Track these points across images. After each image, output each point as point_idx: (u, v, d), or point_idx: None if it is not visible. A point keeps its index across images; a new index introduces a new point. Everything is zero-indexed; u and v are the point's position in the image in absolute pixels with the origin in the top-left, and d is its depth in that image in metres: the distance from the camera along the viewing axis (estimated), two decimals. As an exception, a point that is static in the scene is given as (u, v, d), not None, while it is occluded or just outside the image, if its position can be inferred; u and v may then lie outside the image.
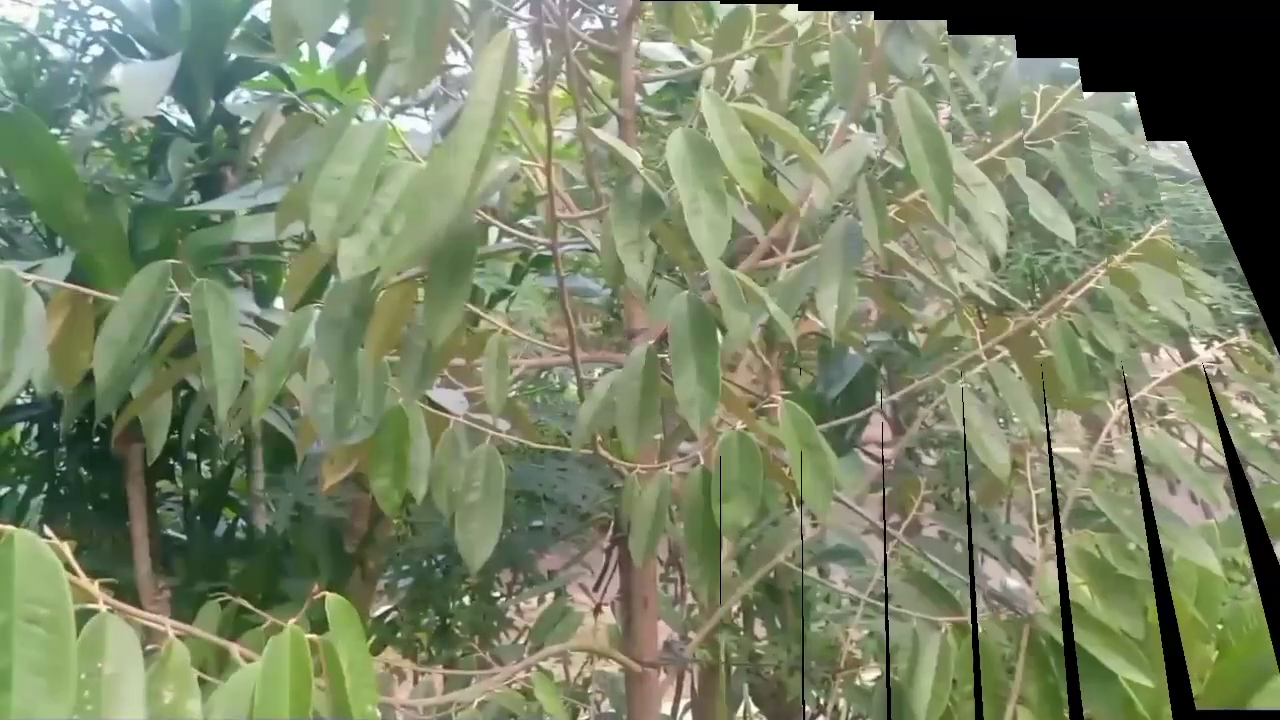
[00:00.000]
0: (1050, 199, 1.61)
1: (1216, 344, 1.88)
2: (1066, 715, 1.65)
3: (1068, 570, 1.67)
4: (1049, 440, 1.72)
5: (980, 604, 1.74)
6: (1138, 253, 1.71)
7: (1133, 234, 2.41)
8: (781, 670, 2.57)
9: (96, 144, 2.67)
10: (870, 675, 2.42)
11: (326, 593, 0.84)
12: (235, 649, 0.91)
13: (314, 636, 0.84)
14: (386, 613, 2.70)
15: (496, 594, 2.67)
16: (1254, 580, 3.29)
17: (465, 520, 1.35)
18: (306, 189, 1.00)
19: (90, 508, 2.40)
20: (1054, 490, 1.54)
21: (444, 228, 0.99)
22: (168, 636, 0.84)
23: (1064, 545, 1.65)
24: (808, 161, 1.13)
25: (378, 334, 1.20)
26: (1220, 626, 2.59)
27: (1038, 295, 2.66)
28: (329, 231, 0.97)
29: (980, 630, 1.68)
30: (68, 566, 0.77)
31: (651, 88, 2.31)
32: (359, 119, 1.02)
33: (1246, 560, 3.23)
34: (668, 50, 2.08)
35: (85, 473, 2.38)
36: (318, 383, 1.28)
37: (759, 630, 2.69)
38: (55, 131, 2.50)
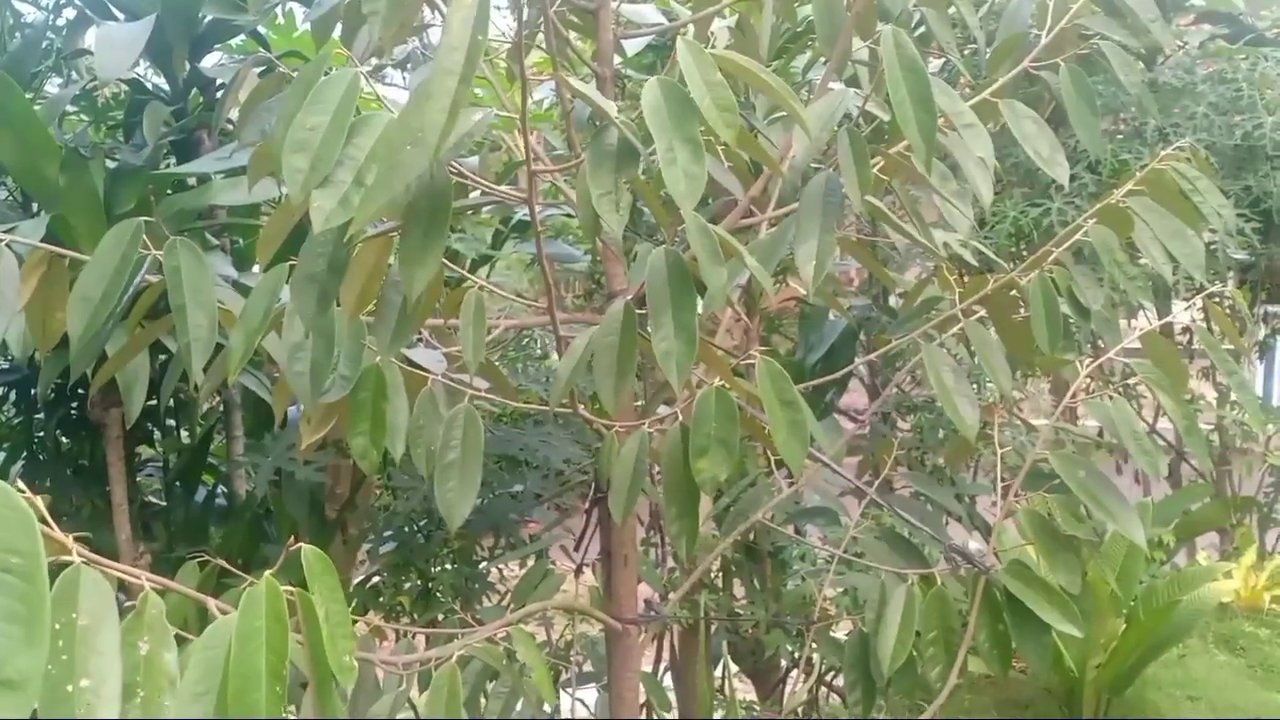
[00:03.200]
0: (1049, 136, 1.58)
1: (1199, 298, 1.88)
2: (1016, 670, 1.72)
3: (1018, 531, 1.71)
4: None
5: (941, 560, 1.77)
6: (1140, 186, 1.66)
7: (1140, 164, 2.39)
8: (760, 628, 2.60)
9: (72, 108, 2.64)
10: (844, 629, 2.46)
11: (303, 545, 0.84)
12: (212, 604, 0.91)
13: (290, 588, 0.84)
14: (369, 577, 2.71)
15: (478, 558, 2.67)
16: (1172, 560, 3.38)
17: (444, 479, 1.34)
18: (277, 142, 0.99)
19: (70, 473, 2.38)
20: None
21: (417, 178, 0.98)
22: (144, 589, 0.84)
23: (1017, 506, 1.68)
24: (787, 107, 1.13)
25: (354, 290, 1.19)
26: (1133, 603, 2.68)
27: (1024, 254, 2.66)
28: (301, 184, 0.96)
29: (940, 583, 1.71)
30: (42, 520, 0.77)
31: (632, 48, 2.30)
32: (331, 70, 1.01)
33: (1171, 540, 3.33)
34: (648, 12, 2.07)
35: (63, 438, 2.36)
36: (293, 340, 1.28)
37: (738, 590, 2.71)
38: (30, 95, 2.47)
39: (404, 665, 1.38)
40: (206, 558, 2.43)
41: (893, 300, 2.94)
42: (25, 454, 2.39)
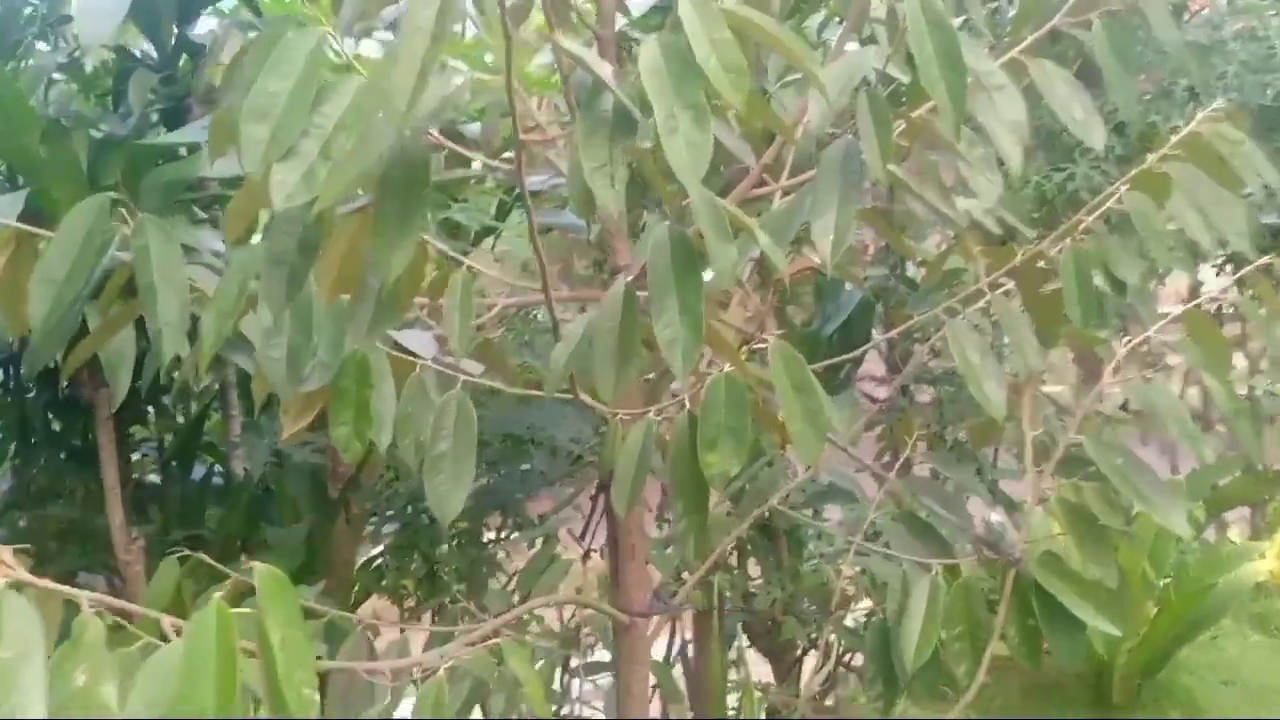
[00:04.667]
0: (1083, 97, 1.46)
1: (1230, 268, 1.77)
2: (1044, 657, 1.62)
3: (1049, 518, 1.61)
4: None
5: (967, 547, 1.68)
6: (1176, 150, 1.55)
7: (1170, 126, 2.27)
8: (775, 609, 2.53)
9: (59, 76, 2.54)
10: (863, 608, 2.38)
11: (254, 563, 0.75)
12: (167, 621, 0.82)
13: (245, 610, 0.75)
14: (373, 558, 2.63)
15: (485, 539, 2.59)
16: (1202, 536, 3.26)
17: (434, 471, 1.25)
18: (236, 110, 0.89)
19: (62, 456, 2.31)
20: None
21: (390, 149, 0.88)
22: (82, 609, 0.76)
23: (1048, 492, 1.58)
24: (804, 68, 1.02)
25: (330, 271, 1.10)
26: (1165, 581, 2.58)
27: (1047, 222, 2.55)
28: (260, 155, 0.87)
29: (966, 573, 1.62)
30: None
31: (638, 8, 2.19)
32: (298, 27, 0.91)
33: (1201, 515, 3.20)
34: (655, -29, 1.96)
35: (54, 420, 2.29)
36: (267, 325, 1.18)
37: (753, 569, 2.63)
38: (14, 63, 2.38)
39: (393, 674, 1.30)
40: (197, 546, 2.37)
41: (910, 269, 2.83)
42: (18, 435, 2.31)
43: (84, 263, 1.23)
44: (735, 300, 2.12)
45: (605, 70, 0.89)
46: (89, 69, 2.54)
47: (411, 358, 1.33)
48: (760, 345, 1.26)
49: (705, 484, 1.18)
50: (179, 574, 1.46)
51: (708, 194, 0.96)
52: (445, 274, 1.15)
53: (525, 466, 2.52)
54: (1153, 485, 1.55)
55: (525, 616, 2.18)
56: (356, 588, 2.58)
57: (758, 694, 2.75)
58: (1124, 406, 3.12)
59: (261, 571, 0.75)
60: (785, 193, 1.56)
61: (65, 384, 2.28)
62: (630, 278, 1.05)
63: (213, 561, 1.45)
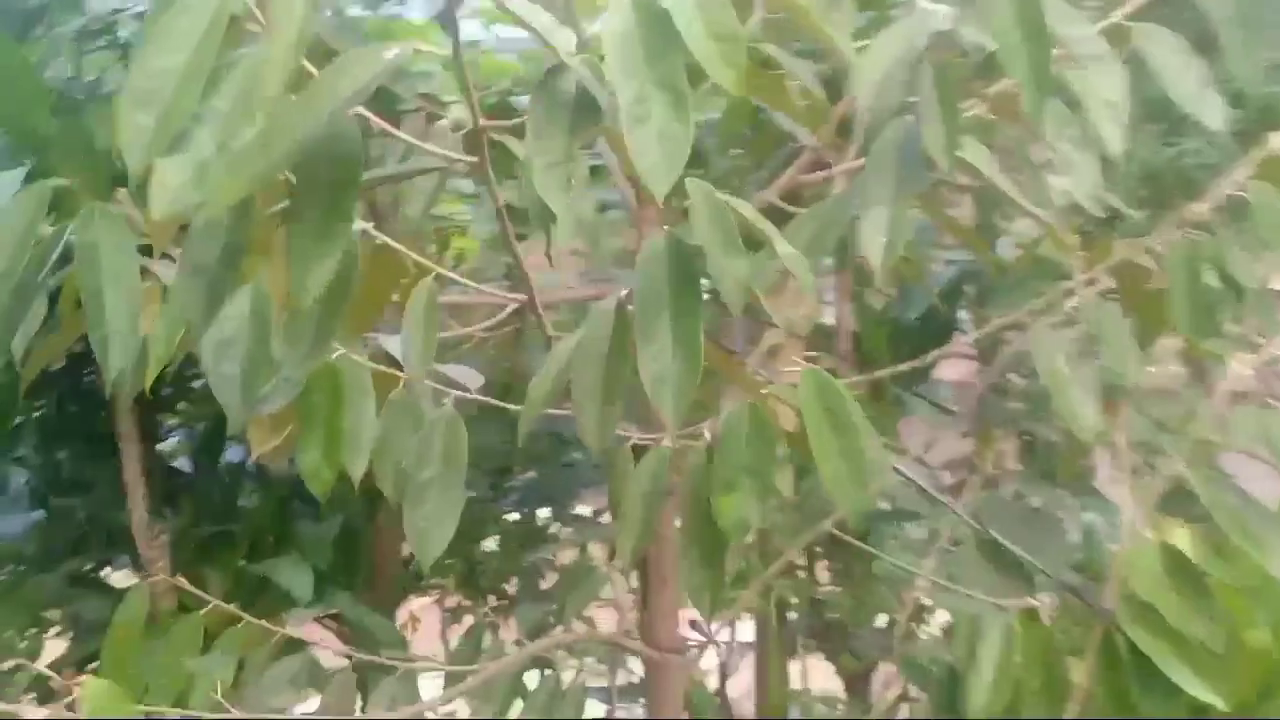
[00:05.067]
0: (1198, 69, 1.22)
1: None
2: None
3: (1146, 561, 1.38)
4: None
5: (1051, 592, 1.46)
6: None
7: None
8: (844, 616, 2.35)
9: (101, 44, 2.42)
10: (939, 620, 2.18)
11: (84, 678, 0.59)
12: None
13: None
14: (412, 556, 2.49)
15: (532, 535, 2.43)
16: None
17: (417, 502, 1.08)
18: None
19: (83, 443, 2.20)
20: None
21: (306, 138, 0.71)
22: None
23: (1149, 534, 1.35)
24: (817, 31, 0.82)
25: (280, 274, 0.93)
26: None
27: (1154, 200, 2.29)
28: (144, 148, 0.70)
29: (1048, 622, 1.41)
30: None
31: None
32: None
33: None
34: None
35: (73, 407, 2.18)
36: (222, 335, 1.02)
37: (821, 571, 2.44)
38: (39, 31, 2.26)
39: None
40: (231, 537, 2.24)
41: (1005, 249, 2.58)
42: (37, 424, 2.21)
43: (19, 260, 1.08)
44: (793, 287, 1.90)
45: (563, 39, 0.70)
46: (124, 37, 2.41)
47: (393, 370, 1.16)
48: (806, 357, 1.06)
49: (724, 533, 0.99)
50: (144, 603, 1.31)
51: (709, 189, 0.77)
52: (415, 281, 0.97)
53: (570, 460, 2.36)
54: (1268, 524, 1.32)
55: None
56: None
57: (821, 707, 2.59)
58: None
59: (91, 688, 0.58)
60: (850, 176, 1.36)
61: (89, 371, 2.18)
62: (626, 291, 0.86)
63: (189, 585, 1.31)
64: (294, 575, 2.01)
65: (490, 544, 2.45)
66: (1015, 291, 2.00)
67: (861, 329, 2.50)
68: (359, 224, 0.89)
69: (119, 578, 2.33)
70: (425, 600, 2.56)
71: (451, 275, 0.97)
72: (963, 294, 2.49)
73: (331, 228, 0.73)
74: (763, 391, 0.97)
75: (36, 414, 2.22)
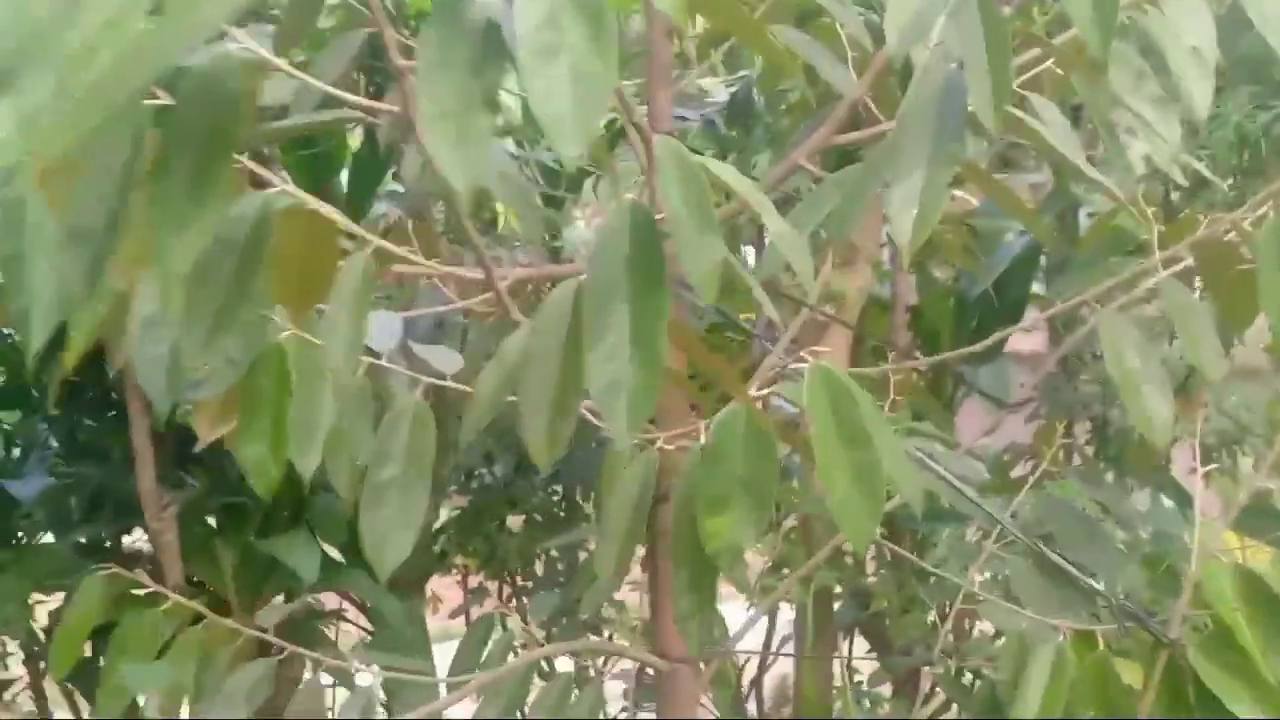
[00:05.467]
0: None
1: None
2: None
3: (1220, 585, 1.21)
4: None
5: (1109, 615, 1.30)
6: None
7: None
8: (891, 607, 2.20)
9: None
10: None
11: None
12: None
13: None
14: (440, 529, 2.38)
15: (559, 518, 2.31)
16: None
17: (375, 504, 0.96)
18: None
19: (94, 414, 2.12)
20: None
21: (166, 76, 0.57)
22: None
23: (1222, 557, 1.18)
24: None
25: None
26: None
27: (1248, 169, 2.08)
28: (-34, 91, 0.57)
29: (1106, 647, 1.25)
30: None
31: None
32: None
33: None
34: None
35: (78, 378, 2.09)
36: (147, 312, 0.90)
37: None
38: None
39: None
40: (244, 510, 2.14)
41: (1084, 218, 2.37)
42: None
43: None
44: (864, 257, 1.72)
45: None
46: None
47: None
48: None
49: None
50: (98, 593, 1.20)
51: (677, 148, 0.61)
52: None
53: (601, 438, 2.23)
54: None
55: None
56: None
57: (866, 703, 2.45)
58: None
59: None
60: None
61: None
62: (584, 276, 0.71)
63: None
64: (301, 554, 1.90)
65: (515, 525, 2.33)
66: (1087, 269, 1.82)
67: (922, 303, 2.32)
68: (280, 184, 0.75)
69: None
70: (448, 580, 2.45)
71: (393, 248, 0.82)
72: (1038, 265, 2.30)
73: (203, 188, 0.60)
74: (763, 392, 0.81)
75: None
